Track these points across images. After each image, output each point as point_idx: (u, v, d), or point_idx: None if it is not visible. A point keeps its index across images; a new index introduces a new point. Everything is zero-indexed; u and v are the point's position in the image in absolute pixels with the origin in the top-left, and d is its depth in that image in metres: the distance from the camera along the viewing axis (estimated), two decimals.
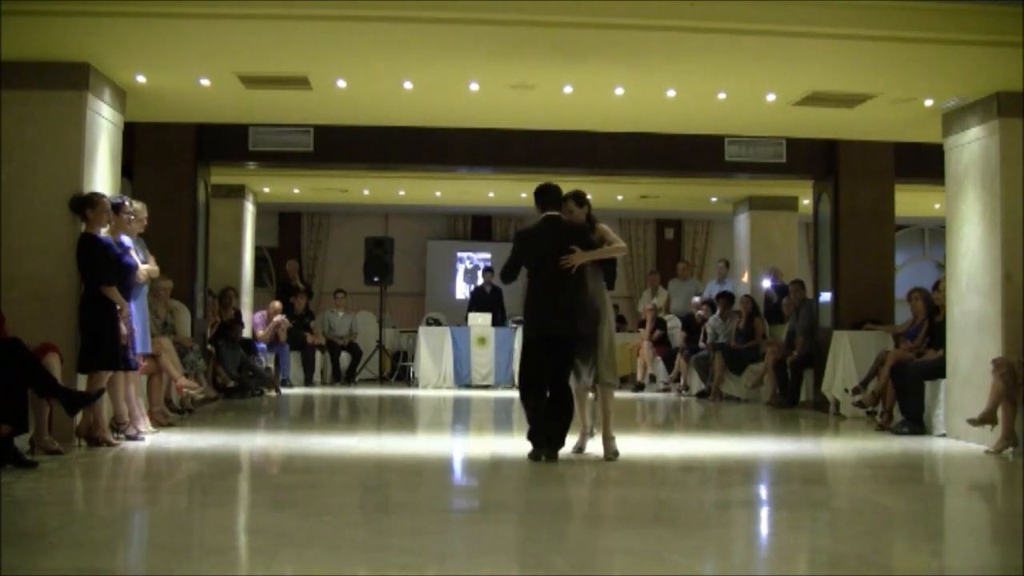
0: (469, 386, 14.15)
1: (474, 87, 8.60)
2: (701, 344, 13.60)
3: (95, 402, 7.25)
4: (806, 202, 13.81)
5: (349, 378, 14.89)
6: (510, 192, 15.22)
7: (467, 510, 5.82)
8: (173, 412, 9.28)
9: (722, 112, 9.43)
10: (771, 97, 8.82)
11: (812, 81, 8.39)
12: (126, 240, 7.93)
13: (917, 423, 9.10)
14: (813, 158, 11.90)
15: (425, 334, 14.39)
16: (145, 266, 8.08)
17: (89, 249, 7.48)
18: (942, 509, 6.26)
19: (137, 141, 10.70)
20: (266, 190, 15.07)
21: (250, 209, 14.73)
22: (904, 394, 9.25)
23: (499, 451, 8.48)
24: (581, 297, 7.08)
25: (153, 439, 7.96)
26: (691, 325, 14.36)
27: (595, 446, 7.32)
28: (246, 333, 13.25)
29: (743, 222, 15.22)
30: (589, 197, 7.41)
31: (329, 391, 13.70)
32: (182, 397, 9.66)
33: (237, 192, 14.17)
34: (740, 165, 11.85)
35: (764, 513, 5.84)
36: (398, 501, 6.04)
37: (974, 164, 8.68)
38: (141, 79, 8.39)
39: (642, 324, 14.99)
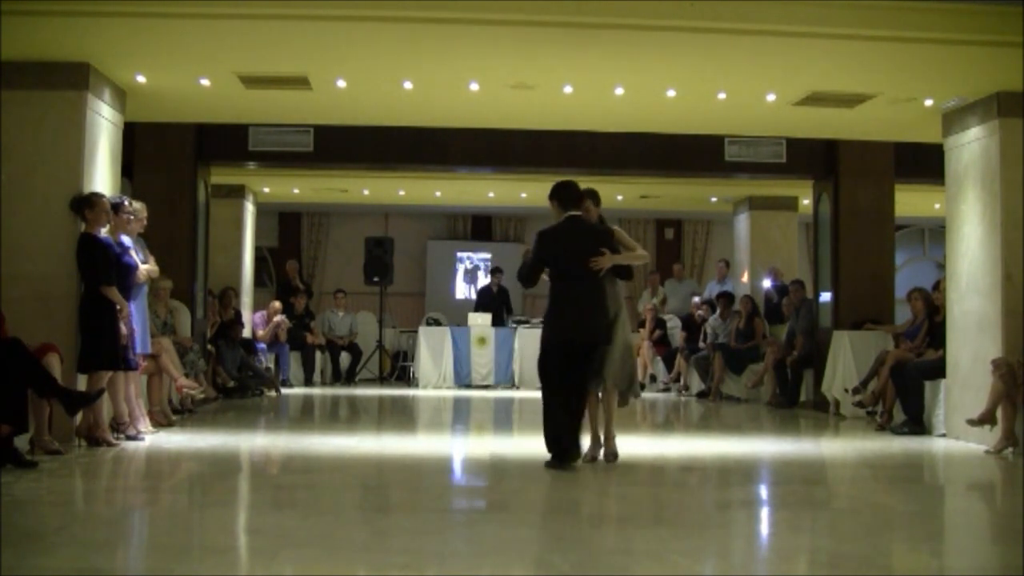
0: (469, 386, 14.15)
1: (474, 87, 8.60)
2: (701, 344, 13.60)
3: (95, 402, 7.25)
4: (806, 202, 13.81)
5: (349, 378, 14.89)
6: (510, 192, 15.22)
7: (467, 510, 5.82)
8: (174, 412, 9.27)
9: (722, 112, 9.43)
10: (771, 97, 8.82)
11: (812, 81, 8.39)
12: (126, 240, 7.93)
13: (918, 423, 9.10)
14: (813, 158, 11.91)
15: (425, 334, 14.39)
16: (145, 266, 8.08)
17: (89, 249, 7.48)
18: (942, 509, 6.26)
19: (137, 141, 10.70)
20: (266, 190, 15.07)
21: (250, 209, 14.73)
22: (904, 394, 9.26)
23: (499, 451, 8.48)
24: (606, 302, 6.87)
25: (153, 439, 7.96)
26: (691, 325, 14.36)
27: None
28: (246, 333, 13.25)
29: (743, 222, 15.23)
30: None
31: (329, 391, 13.70)
32: (182, 397, 9.66)
33: (237, 192, 14.17)
34: (740, 165, 11.85)
35: (764, 513, 5.84)
36: (398, 501, 6.04)
37: (974, 164, 8.68)
38: (141, 79, 8.39)
39: (642, 324, 15.00)
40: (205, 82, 8.54)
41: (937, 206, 12.79)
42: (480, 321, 14.48)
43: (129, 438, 7.78)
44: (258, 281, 16.04)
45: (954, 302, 8.94)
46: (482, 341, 14.30)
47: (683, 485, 6.38)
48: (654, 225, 18.68)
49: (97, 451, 7.32)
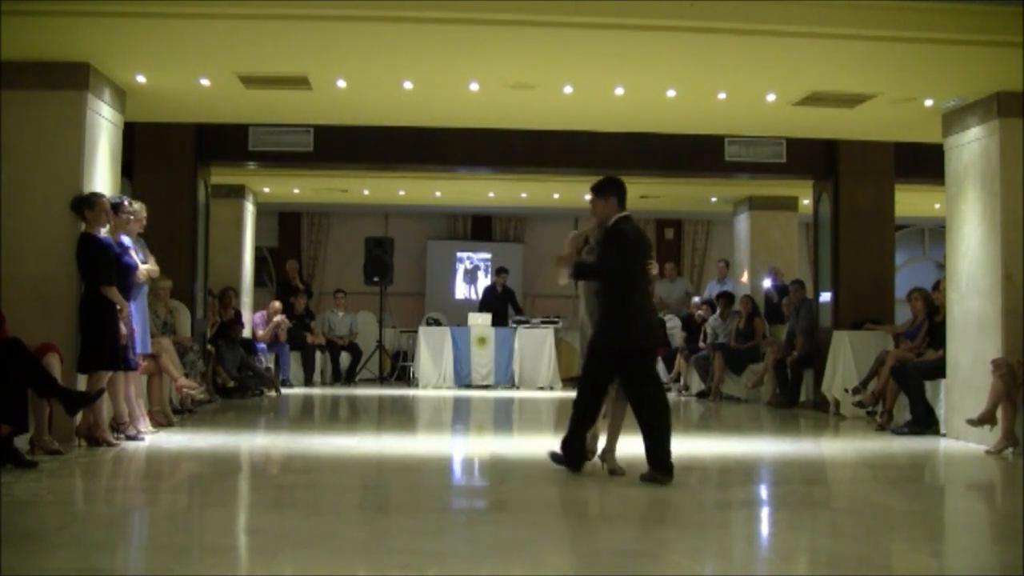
0: (469, 386, 14.15)
1: (474, 87, 8.60)
2: (701, 344, 13.60)
3: (95, 402, 7.25)
4: (806, 202, 13.81)
5: (349, 378, 14.89)
6: (510, 192, 15.22)
7: (467, 510, 5.82)
8: (174, 412, 9.27)
9: (722, 112, 9.43)
10: (771, 97, 8.82)
11: (812, 81, 8.38)
12: (126, 240, 7.93)
13: (925, 423, 9.08)
14: (813, 158, 11.91)
15: (425, 334, 14.39)
16: (145, 266, 8.08)
17: (88, 249, 7.48)
18: (942, 509, 6.26)
19: (137, 141, 10.70)
20: (266, 190, 15.07)
21: (250, 209, 14.73)
22: (908, 394, 9.25)
23: (499, 451, 8.48)
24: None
25: (153, 439, 7.96)
26: (691, 325, 14.36)
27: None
28: (246, 333, 13.25)
29: (743, 222, 15.23)
30: None
31: (329, 391, 13.70)
32: (182, 397, 9.66)
33: (237, 192, 14.17)
34: (740, 165, 11.85)
35: (764, 513, 5.84)
36: (398, 501, 6.04)
37: (974, 164, 8.68)
38: (141, 79, 8.39)
39: None
40: (205, 82, 8.54)
41: (937, 206, 12.79)
42: (480, 321, 14.49)
43: (129, 438, 7.78)
44: (258, 281, 16.04)
45: (954, 302, 8.94)
46: (482, 341, 14.30)
47: (683, 485, 6.37)
48: (654, 225, 18.67)
49: (97, 451, 7.32)
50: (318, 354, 14.52)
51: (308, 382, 14.19)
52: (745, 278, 14.98)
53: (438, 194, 15.61)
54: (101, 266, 7.46)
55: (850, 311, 11.48)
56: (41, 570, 3.99)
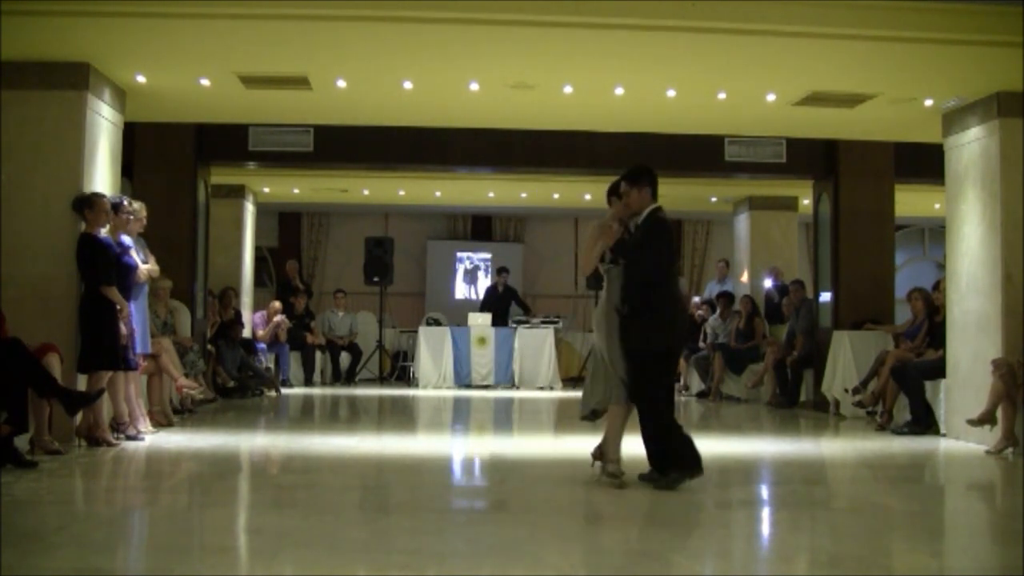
0: (469, 386, 14.14)
1: (474, 87, 8.60)
2: (701, 344, 13.60)
3: (95, 402, 7.25)
4: (806, 202, 13.81)
5: (349, 378, 14.89)
6: (510, 192, 15.22)
7: (467, 510, 5.82)
8: (174, 412, 9.27)
9: (722, 112, 9.43)
10: (771, 97, 8.83)
11: (812, 81, 8.39)
12: (126, 240, 7.93)
13: (925, 423, 9.07)
14: (813, 158, 11.91)
15: (425, 334, 14.39)
16: (145, 266, 8.08)
17: (88, 249, 7.48)
18: (942, 509, 6.26)
19: (137, 141, 10.70)
20: (266, 190, 15.07)
21: (250, 209, 14.73)
22: (908, 394, 9.25)
23: (499, 451, 8.49)
24: None
25: (153, 439, 7.96)
26: (691, 325, 14.35)
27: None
28: (246, 333, 13.25)
29: (743, 222, 15.23)
30: None
31: (329, 391, 13.70)
32: (182, 397, 9.66)
33: (237, 192, 14.17)
34: (740, 165, 11.85)
35: (764, 513, 5.84)
36: (398, 501, 6.04)
37: (974, 164, 8.68)
38: (141, 79, 8.40)
39: None
40: (205, 82, 8.54)
41: (937, 206, 12.79)
42: (480, 321, 14.49)
43: (129, 438, 7.78)
44: (258, 281, 16.04)
45: (954, 302, 8.94)
46: (482, 341, 14.30)
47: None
48: None
49: (97, 451, 7.32)
50: (318, 354, 14.52)
51: (308, 382, 14.19)
52: (745, 278, 14.98)
53: (438, 194, 15.61)
54: (101, 266, 7.46)
55: (850, 311, 11.48)
56: (41, 570, 3.99)
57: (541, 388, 14.14)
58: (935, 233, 18.08)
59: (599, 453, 6.32)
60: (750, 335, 13.00)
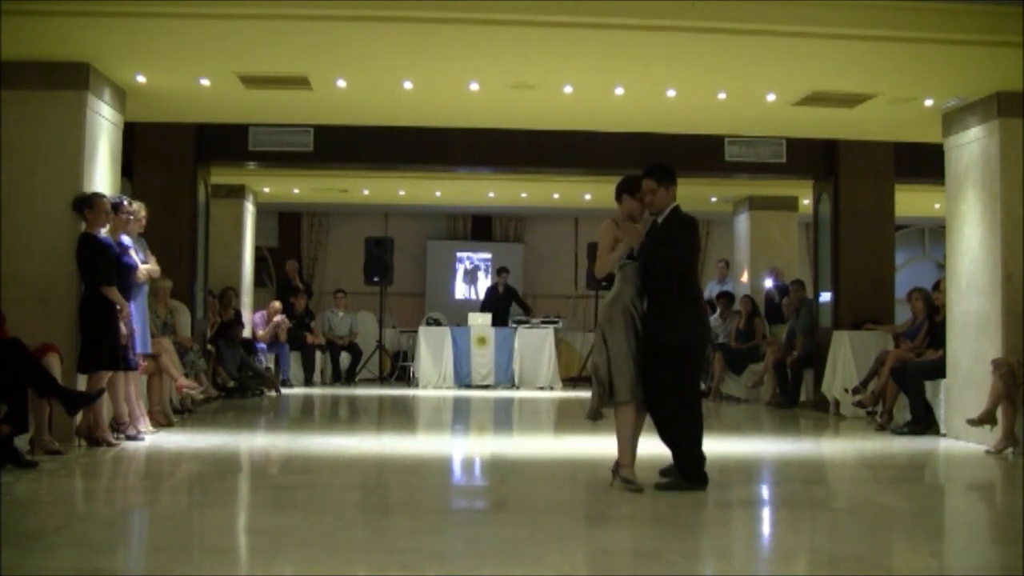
0: (469, 386, 14.14)
1: (474, 87, 8.60)
2: None
3: (95, 402, 7.26)
4: (806, 202, 13.81)
5: (349, 378, 14.88)
6: (510, 192, 15.22)
7: (467, 510, 5.82)
8: (174, 412, 9.27)
9: (722, 112, 9.43)
10: (771, 97, 8.83)
11: (812, 81, 8.39)
12: (126, 240, 7.93)
13: (925, 423, 9.07)
14: (813, 158, 11.90)
15: (425, 334, 14.39)
16: (145, 266, 8.08)
17: (88, 249, 7.48)
18: (942, 509, 6.26)
19: (137, 141, 10.70)
20: (266, 190, 15.07)
21: (250, 209, 14.73)
22: (908, 394, 9.24)
23: (499, 451, 8.48)
24: None
25: (153, 439, 7.96)
26: None
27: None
28: (246, 333, 13.25)
29: (743, 222, 15.23)
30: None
31: (329, 391, 13.70)
32: (182, 397, 9.66)
33: (237, 192, 14.17)
34: (740, 165, 11.85)
35: (764, 513, 5.84)
36: (398, 501, 6.04)
37: (974, 164, 8.68)
38: (141, 79, 8.39)
39: None
40: (205, 82, 8.54)
41: (937, 206, 12.79)
42: (480, 321, 14.49)
43: (129, 438, 7.78)
44: (258, 281, 16.04)
45: (954, 302, 8.94)
46: (482, 341, 14.30)
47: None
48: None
49: (97, 451, 7.32)
50: (318, 354, 14.52)
51: (308, 382, 14.18)
52: (745, 278, 14.98)
53: (438, 194, 15.61)
54: (101, 266, 7.46)
55: (850, 311, 11.48)
56: (41, 570, 4.00)
57: (541, 388, 14.14)
58: (935, 233, 18.08)
59: (616, 466, 6.09)
60: (750, 335, 13.00)
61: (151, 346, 8.40)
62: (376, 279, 14.94)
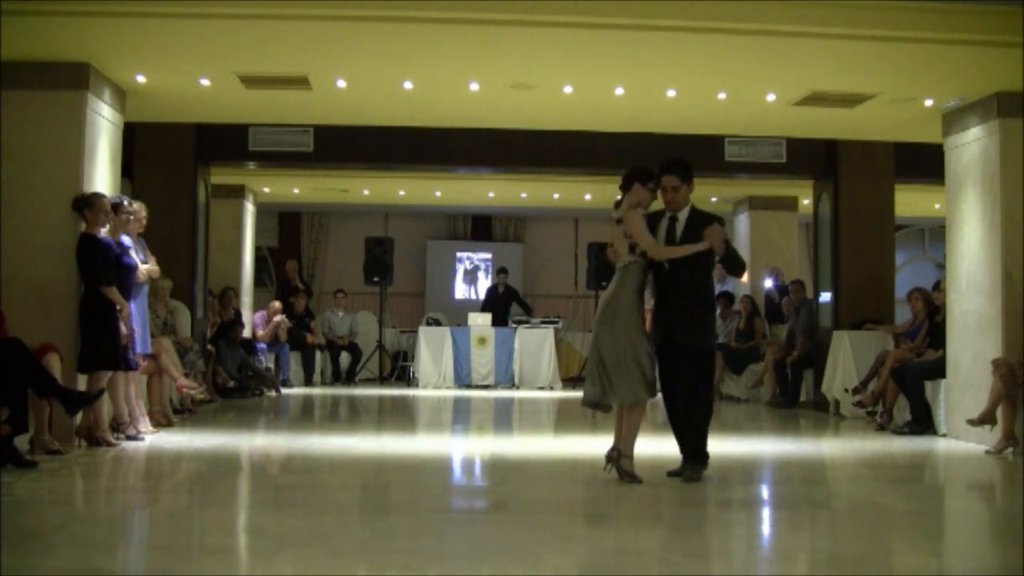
0: (469, 386, 14.14)
1: (474, 87, 8.60)
2: None
3: (95, 402, 7.26)
4: (806, 202, 13.81)
5: (349, 378, 14.89)
6: (510, 192, 15.22)
7: (467, 510, 5.82)
8: (174, 412, 9.27)
9: (722, 112, 9.43)
10: (771, 97, 8.83)
11: (812, 81, 8.39)
12: (126, 240, 7.93)
13: (926, 423, 9.07)
14: (813, 158, 11.90)
15: (425, 334, 14.39)
16: (145, 266, 8.08)
17: (88, 249, 7.48)
18: (942, 509, 6.26)
19: (137, 141, 10.69)
20: (266, 190, 15.07)
21: (250, 209, 14.73)
22: (908, 394, 9.24)
23: (499, 451, 8.48)
24: None
25: (153, 439, 7.96)
26: None
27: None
28: (246, 333, 13.25)
29: (743, 222, 15.23)
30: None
31: (329, 391, 13.70)
32: (182, 397, 9.66)
33: (237, 192, 14.17)
34: (740, 165, 11.84)
35: (764, 513, 5.84)
36: (398, 501, 6.04)
37: (974, 164, 8.68)
38: (141, 79, 8.39)
39: None
40: (205, 82, 8.54)
41: (937, 206, 12.79)
42: (480, 321, 14.49)
43: (129, 438, 7.78)
44: (258, 281, 16.04)
45: (954, 302, 8.94)
46: (482, 341, 14.30)
47: (683, 485, 6.36)
48: None
49: (97, 451, 7.32)
50: (318, 354, 14.52)
51: (308, 382, 14.19)
52: (745, 278, 14.94)
53: (438, 194, 15.61)
54: (101, 266, 7.46)
55: (850, 311, 11.47)
56: (41, 570, 3.99)
57: (541, 388, 14.14)
58: (935, 233, 18.08)
59: (616, 454, 6.24)
60: (750, 335, 13.00)
61: (151, 346, 8.40)
62: (376, 279, 14.94)
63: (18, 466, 6.30)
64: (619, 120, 10.03)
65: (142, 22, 7.11)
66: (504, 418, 11.27)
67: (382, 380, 15.27)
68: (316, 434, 9.03)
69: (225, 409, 10.70)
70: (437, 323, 15.16)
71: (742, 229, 15.27)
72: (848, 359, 10.69)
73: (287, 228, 18.38)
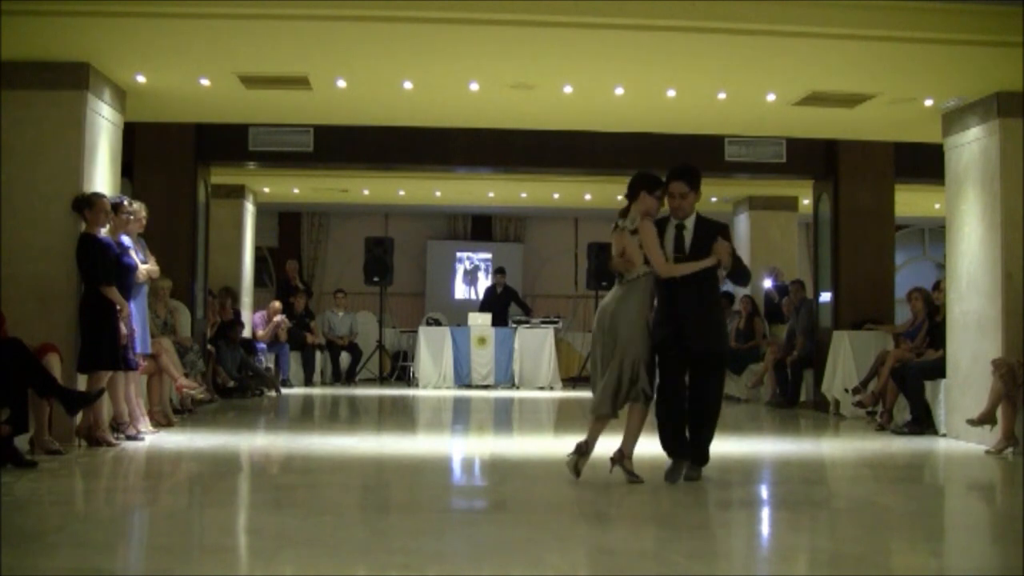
0: (469, 386, 14.15)
1: (474, 87, 8.60)
2: None
3: (95, 402, 7.25)
4: (806, 202, 13.81)
5: (349, 378, 14.89)
6: (510, 192, 15.22)
7: (467, 510, 5.82)
8: (174, 412, 9.27)
9: (722, 112, 9.43)
10: (771, 97, 8.83)
11: (812, 81, 8.39)
12: (126, 240, 7.93)
13: (926, 424, 9.07)
14: (813, 158, 11.90)
15: (425, 334, 14.40)
16: (145, 266, 8.08)
17: (88, 249, 7.48)
18: (942, 509, 6.26)
19: (137, 141, 10.69)
20: (266, 190, 15.07)
21: (250, 209, 14.73)
22: (908, 394, 9.24)
23: (499, 451, 8.48)
24: None
25: (153, 439, 7.96)
26: None
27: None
28: (246, 333, 13.25)
29: (743, 222, 15.23)
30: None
31: (329, 391, 13.70)
32: (182, 397, 9.66)
33: (237, 192, 14.17)
34: (740, 165, 11.84)
35: (764, 513, 5.84)
36: (398, 501, 6.04)
37: (974, 164, 8.68)
38: (141, 79, 8.39)
39: None
40: (205, 82, 8.54)
41: (937, 206, 12.79)
42: (480, 321, 14.49)
43: (129, 438, 7.78)
44: (258, 281, 16.04)
45: (954, 302, 8.94)
46: (482, 341, 14.30)
47: (683, 485, 6.36)
48: None
49: (97, 451, 7.32)
50: (318, 354, 14.52)
51: (308, 382, 14.19)
52: None
53: (438, 194, 15.61)
54: (101, 266, 7.46)
55: (850, 311, 11.47)
56: (41, 570, 3.99)
57: (541, 388, 14.15)
58: (935, 233, 18.08)
59: (620, 456, 6.25)
60: (750, 335, 13.00)
61: (151, 346, 8.40)
62: (376, 279, 14.94)
63: (18, 466, 6.29)
64: (619, 120, 10.03)
65: (142, 22, 7.11)
66: (504, 418, 11.27)
67: (382, 380, 15.27)
68: (316, 434, 9.03)
69: (225, 409, 10.70)
70: (437, 323, 15.16)
71: (742, 229, 15.27)
72: (848, 359, 10.69)
73: (287, 228, 18.39)
